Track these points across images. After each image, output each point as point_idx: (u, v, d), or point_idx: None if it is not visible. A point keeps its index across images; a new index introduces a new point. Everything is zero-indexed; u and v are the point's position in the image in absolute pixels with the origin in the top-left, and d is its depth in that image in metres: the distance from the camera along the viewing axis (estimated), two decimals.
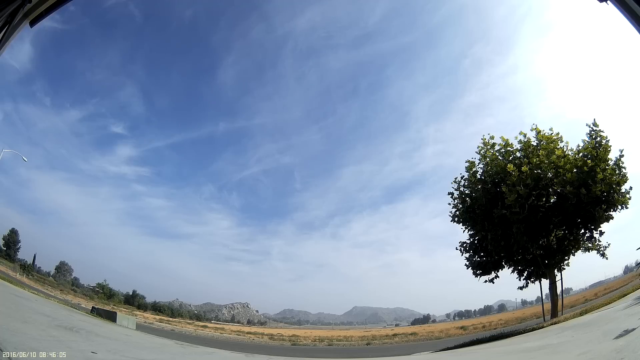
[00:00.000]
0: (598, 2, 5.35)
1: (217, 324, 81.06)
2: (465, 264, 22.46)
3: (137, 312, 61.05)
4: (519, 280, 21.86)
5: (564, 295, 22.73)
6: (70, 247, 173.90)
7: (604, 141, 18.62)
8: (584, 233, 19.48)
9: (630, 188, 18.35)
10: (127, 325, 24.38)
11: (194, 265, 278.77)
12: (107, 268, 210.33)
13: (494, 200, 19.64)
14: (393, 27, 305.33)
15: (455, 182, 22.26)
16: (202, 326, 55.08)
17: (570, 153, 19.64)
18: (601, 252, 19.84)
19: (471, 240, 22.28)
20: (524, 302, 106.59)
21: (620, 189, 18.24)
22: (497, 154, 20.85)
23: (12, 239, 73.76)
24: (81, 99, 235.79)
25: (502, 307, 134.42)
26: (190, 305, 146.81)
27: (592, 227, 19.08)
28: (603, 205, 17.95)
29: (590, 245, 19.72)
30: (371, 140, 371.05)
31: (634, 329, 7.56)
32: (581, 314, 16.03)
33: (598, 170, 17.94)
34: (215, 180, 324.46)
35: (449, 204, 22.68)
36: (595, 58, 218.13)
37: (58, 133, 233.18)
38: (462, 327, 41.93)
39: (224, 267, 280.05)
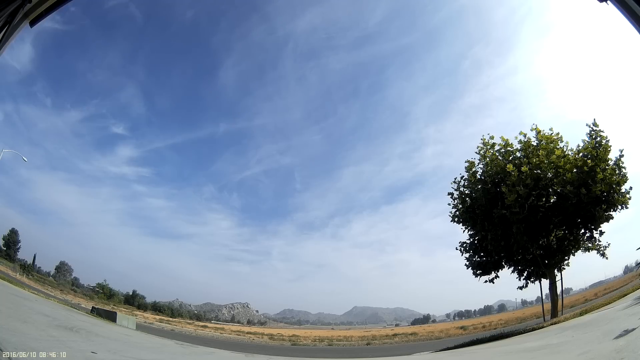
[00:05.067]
0: (598, 2, 5.36)
1: (217, 324, 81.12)
2: (465, 264, 22.51)
3: (137, 312, 61.03)
4: (519, 280, 21.95)
5: (564, 295, 22.72)
6: (70, 247, 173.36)
7: (604, 141, 18.63)
8: (584, 233, 19.50)
9: (630, 188, 18.41)
10: (127, 325, 24.43)
11: (194, 265, 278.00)
12: (107, 268, 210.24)
13: (494, 200, 19.65)
14: (393, 29, 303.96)
15: (455, 182, 22.34)
16: (202, 326, 55.17)
17: (570, 153, 19.65)
18: (601, 252, 19.87)
19: (471, 240, 22.30)
20: (524, 302, 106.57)
21: (620, 189, 18.27)
22: (497, 154, 20.85)
23: (12, 239, 73.76)
24: (82, 99, 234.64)
25: (502, 307, 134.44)
26: (190, 305, 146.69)
27: (592, 227, 19.10)
28: (603, 205, 17.97)
29: (590, 245, 19.76)
30: (371, 140, 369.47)
31: (634, 329, 7.56)
32: (581, 314, 16.02)
33: (598, 170, 17.96)
34: (215, 181, 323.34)
35: (449, 204, 22.77)
36: (595, 58, 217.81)
37: (58, 133, 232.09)
38: (462, 327, 42.02)
39: (224, 267, 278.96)
